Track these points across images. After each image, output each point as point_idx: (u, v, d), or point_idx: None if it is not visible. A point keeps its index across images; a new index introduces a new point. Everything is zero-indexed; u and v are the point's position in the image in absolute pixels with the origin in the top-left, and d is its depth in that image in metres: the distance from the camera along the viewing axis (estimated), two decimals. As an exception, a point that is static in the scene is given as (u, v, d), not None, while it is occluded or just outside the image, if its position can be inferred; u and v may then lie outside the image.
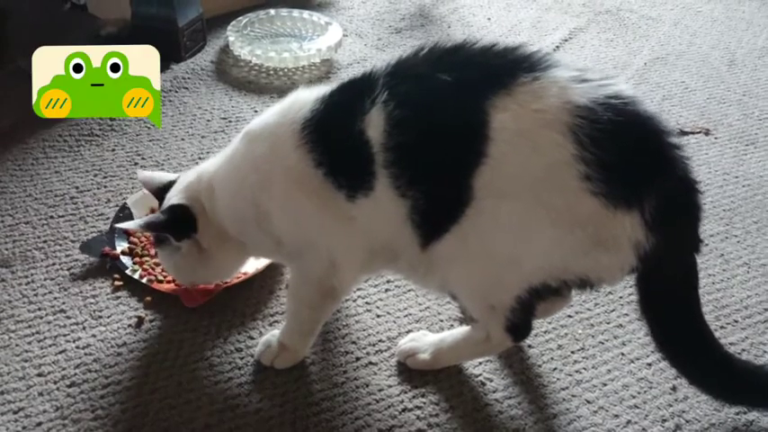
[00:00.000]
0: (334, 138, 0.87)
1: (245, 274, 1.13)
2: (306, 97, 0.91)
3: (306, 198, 0.88)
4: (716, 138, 1.63)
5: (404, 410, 0.97)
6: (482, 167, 0.78)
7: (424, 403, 0.98)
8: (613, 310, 1.15)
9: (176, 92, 1.63)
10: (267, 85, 1.71)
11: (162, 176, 1.07)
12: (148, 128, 1.51)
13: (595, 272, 0.84)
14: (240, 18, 1.84)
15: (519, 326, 0.92)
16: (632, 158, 0.78)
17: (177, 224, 0.98)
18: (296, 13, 1.90)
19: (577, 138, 0.75)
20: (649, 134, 0.79)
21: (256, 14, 1.87)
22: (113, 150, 1.43)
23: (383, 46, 1.91)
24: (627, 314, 1.15)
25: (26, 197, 1.29)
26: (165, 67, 1.70)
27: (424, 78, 0.83)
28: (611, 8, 2.23)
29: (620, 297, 1.17)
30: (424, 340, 1.04)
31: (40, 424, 0.92)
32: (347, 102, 0.87)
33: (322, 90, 0.91)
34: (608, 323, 1.13)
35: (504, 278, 0.86)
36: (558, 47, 1.97)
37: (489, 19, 2.11)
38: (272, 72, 1.74)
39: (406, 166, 0.82)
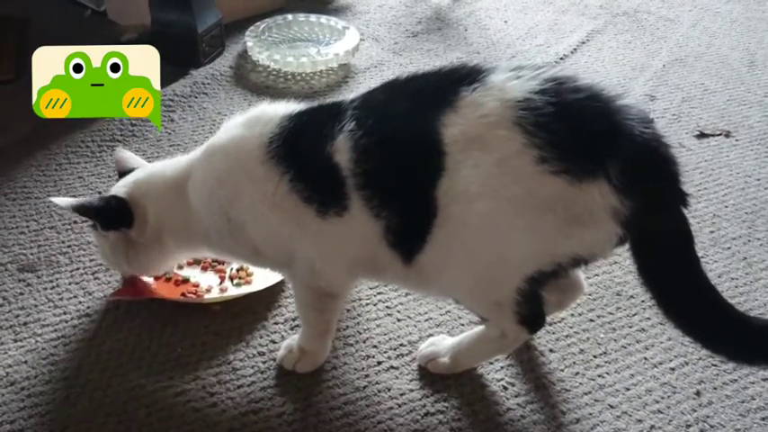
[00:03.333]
0: (303, 156, 0.90)
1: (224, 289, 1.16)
2: (272, 112, 0.94)
3: (275, 211, 0.90)
4: (737, 140, 1.61)
5: (426, 414, 0.97)
6: (442, 180, 0.82)
7: (447, 407, 0.98)
8: (635, 314, 1.15)
9: (196, 97, 1.64)
10: (285, 89, 1.72)
11: (135, 162, 1.10)
12: (169, 133, 1.53)
13: (584, 249, 0.84)
14: (258, 23, 1.85)
15: (530, 317, 0.91)
16: (582, 130, 0.79)
17: (107, 214, 1.00)
18: (313, 17, 1.91)
19: (524, 128, 0.78)
20: (593, 103, 0.80)
21: (274, 20, 1.89)
22: (135, 156, 1.45)
23: (400, 50, 1.92)
24: (649, 318, 1.14)
25: (50, 202, 1.30)
26: (184, 72, 1.72)
27: (383, 108, 0.89)
28: (629, 10, 2.22)
29: (643, 301, 1.16)
30: (443, 344, 1.04)
31: (66, 428, 0.93)
32: (316, 124, 0.91)
33: (288, 107, 0.95)
34: (630, 327, 1.12)
35: (496, 276, 0.87)
36: (575, 49, 1.96)
37: (506, 22, 2.11)
38: (290, 77, 1.75)
39: (376, 189, 0.86)
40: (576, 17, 2.16)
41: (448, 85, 0.85)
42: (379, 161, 0.85)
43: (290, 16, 1.91)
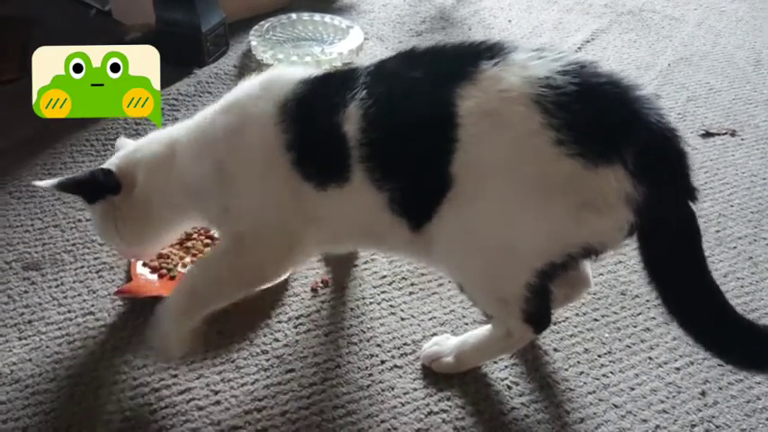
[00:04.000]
0: (312, 124, 0.89)
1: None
2: (289, 76, 0.93)
3: (275, 177, 0.90)
4: (742, 139, 1.61)
5: (430, 414, 0.97)
6: (456, 154, 0.81)
7: (450, 407, 0.98)
8: (640, 314, 1.14)
9: (200, 96, 1.64)
10: (289, 88, 1.71)
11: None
12: (173, 132, 1.53)
13: (595, 237, 0.83)
14: (262, 22, 1.85)
15: (537, 315, 0.91)
16: (601, 115, 0.78)
17: (88, 186, 0.99)
18: (317, 17, 1.91)
19: (543, 107, 0.77)
20: (613, 89, 0.80)
21: (278, 19, 1.89)
22: (139, 154, 1.45)
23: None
24: (654, 317, 1.13)
25: (55, 201, 1.31)
26: (188, 71, 1.72)
27: (397, 78, 0.87)
28: (634, 9, 2.21)
29: (648, 300, 1.16)
30: (447, 344, 1.03)
31: (70, 426, 0.93)
32: (329, 92, 0.89)
33: (305, 72, 0.94)
34: (635, 326, 1.12)
35: (506, 267, 0.86)
36: (580, 48, 1.95)
37: (510, 21, 2.10)
38: (293, 76, 1.75)
39: (383, 159, 0.85)
40: (580, 16, 2.15)
41: (467, 58, 0.84)
42: (388, 131, 0.84)
43: (294, 15, 1.91)
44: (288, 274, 1.14)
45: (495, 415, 0.98)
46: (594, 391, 1.01)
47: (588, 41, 2.00)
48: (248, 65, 1.79)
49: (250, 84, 0.96)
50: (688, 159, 0.82)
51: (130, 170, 1.00)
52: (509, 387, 1.01)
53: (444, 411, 0.97)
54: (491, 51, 0.83)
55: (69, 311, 1.09)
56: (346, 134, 0.85)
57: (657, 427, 0.97)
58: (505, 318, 0.93)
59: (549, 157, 0.77)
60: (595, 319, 1.13)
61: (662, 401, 1.00)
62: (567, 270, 0.87)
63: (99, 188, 0.99)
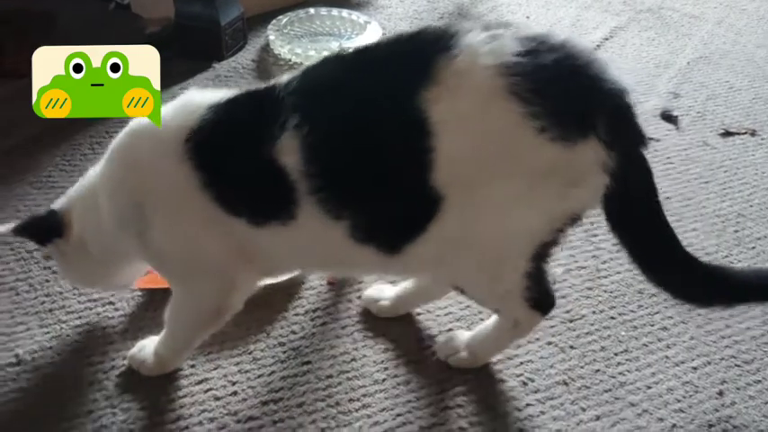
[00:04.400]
0: (230, 161, 0.81)
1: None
2: (198, 101, 0.84)
3: (195, 220, 0.84)
4: (762, 138, 1.59)
5: (445, 408, 0.97)
6: (436, 163, 0.75)
7: (465, 402, 0.98)
8: (657, 313, 1.14)
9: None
10: (306, 83, 1.72)
11: None
12: (191, 125, 1.54)
13: (578, 206, 0.83)
14: (280, 17, 1.86)
15: (540, 298, 0.90)
16: (570, 92, 0.76)
17: (36, 229, 0.96)
18: (335, 11, 1.91)
19: (519, 96, 0.73)
20: (573, 62, 0.77)
21: (296, 13, 1.89)
22: (158, 147, 1.46)
23: (421, 45, 1.91)
24: (671, 317, 1.13)
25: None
26: (207, 65, 1.73)
27: (335, 91, 0.78)
28: (653, 6, 2.19)
29: (665, 299, 1.15)
30: (461, 339, 1.03)
31: (90, 412, 0.95)
32: (247, 121, 0.81)
33: (216, 96, 0.84)
34: (652, 325, 1.11)
35: (503, 262, 0.86)
36: (598, 46, 1.94)
37: (528, 17, 2.09)
38: (311, 71, 1.75)
39: (338, 189, 0.78)
40: (598, 13, 2.14)
41: (416, 54, 0.77)
42: (341, 156, 0.77)
43: (311, 10, 1.91)
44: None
45: (511, 411, 0.98)
46: (611, 389, 1.01)
47: (607, 39, 1.98)
48: (266, 59, 1.80)
49: (164, 109, 0.86)
50: (635, 110, 0.80)
51: (68, 212, 0.96)
52: (524, 383, 1.01)
53: (460, 406, 0.98)
54: (440, 42, 0.76)
55: (89, 301, 1.11)
56: (285, 167, 0.77)
57: (674, 426, 0.96)
58: (511, 309, 0.93)
59: (536, 147, 0.75)
60: (612, 317, 1.12)
61: (678, 401, 1.00)
62: (557, 244, 0.86)
63: (40, 232, 0.96)
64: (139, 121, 0.88)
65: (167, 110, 0.86)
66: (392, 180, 0.78)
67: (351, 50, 0.81)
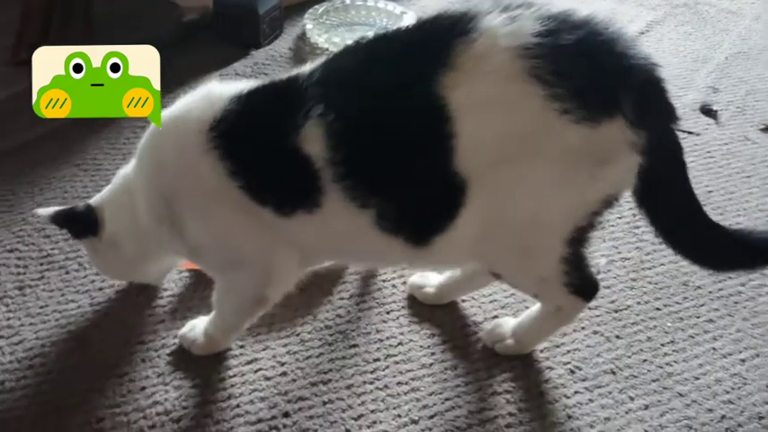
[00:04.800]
0: (257, 150, 0.81)
1: None
2: (219, 92, 0.84)
3: (226, 210, 0.84)
4: (804, 135, 1.58)
5: (493, 394, 0.98)
6: (458, 150, 0.75)
7: (514, 387, 0.99)
8: (703, 305, 1.13)
9: (256, 77, 1.66)
10: (343, 72, 1.72)
11: None
12: (231, 111, 1.55)
13: (612, 187, 0.82)
14: (317, 6, 1.87)
15: (581, 284, 0.89)
16: (594, 71, 0.75)
17: (73, 223, 0.98)
18: (371, 2, 1.92)
19: (541, 79, 0.73)
20: (596, 39, 0.76)
21: (332, 3, 1.89)
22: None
23: (456, 36, 1.91)
24: (717, 309, 1.12)
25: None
26: (244, 53, 1.74)
27: (357, 79, 0.78)
28: (689, 1, 2.17)
29: (710, 292, 1.15)
30: (507, 325, 1.03)
31: (143, 389, 0.96)
32: (271, 111, 0.81)
33: (237, 87, 0.84)
34: (698, 317, 1.11)
35: (537, 248, 0.85)
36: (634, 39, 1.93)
37: (563, 11, 2.08)
38: (347, 60, 1.76)
39: (363, 177, 0.78)
40: (634, 7, 2.12)
41: (434, 40, 0.76)
42: (365, 143, 0.77)
43: (347, 0, 1.92)
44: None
45: (559, 398, 0.98)
46: (658, 379, 1.01)
47: (643, 33, 1.97)
48: (302, 48, 1.81)
49: (181, 101, 0.88)
50: (665, 84, 0.80)
51: (102, 206, 0.97)
52: (572, 371, 1.01)
53: (508, 392, 0.98)
54: (458, 26, 0.75)
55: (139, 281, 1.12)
56: (310, 156, 0.77)
57: (723, 417, 0.96)
58: (551, 295, 0.92)
59: (560, 129, 0.74)
60: (657, 309, 1.12)
61: (727, 392, 0.99)
62: (594, 228, 0.85)
63: (77, 226, 0.98)
64: (162, 115, 0.88)
65: (186, 102, 0.87)
66: (414, 167, 0.78)
67: (370, 38, 0.80)
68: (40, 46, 1.63)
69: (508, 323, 1.04)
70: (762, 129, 1.58)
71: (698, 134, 1.55)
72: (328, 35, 1.76)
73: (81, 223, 0.98)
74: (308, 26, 1.79)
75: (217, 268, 0.94)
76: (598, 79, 0.75)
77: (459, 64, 0.73)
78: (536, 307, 1.00)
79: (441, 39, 0.76)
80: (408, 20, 1.83)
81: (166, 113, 0.88)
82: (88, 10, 1.88)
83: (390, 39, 0.81)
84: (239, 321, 0.97)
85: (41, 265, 1.14)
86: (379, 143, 0.77)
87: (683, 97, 1.67)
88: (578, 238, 0.85)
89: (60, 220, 0.99)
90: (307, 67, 0.82)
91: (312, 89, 0.78)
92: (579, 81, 0.74)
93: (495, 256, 0.88)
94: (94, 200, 0.99)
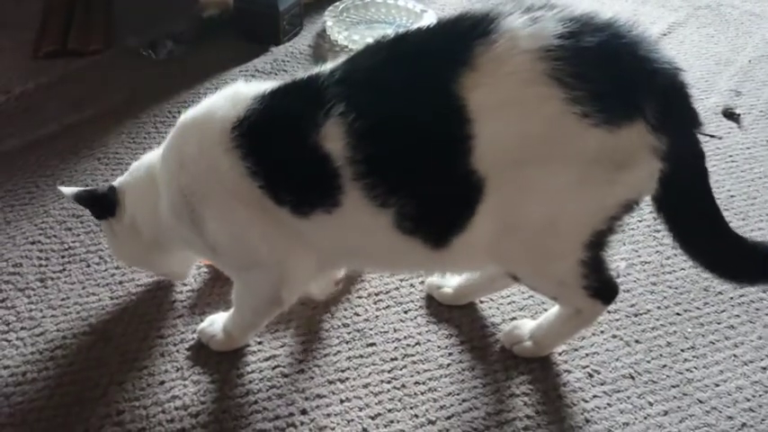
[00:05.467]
0: (277, 149, 0.82)
1: None
2: (244, 93, 0.85)
3: (245, 210, 0.84)
4: (828, 140, 1.55)
5: (511, 396, 0.97)
6: (477, 150, 0.74)
7: (531, 390, 0.98)
8: (724, 311, 1.12)
9: (276, 74, 1.67)
10: (362, 70, 1.72)
11: None
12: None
13: (631, 192, 0.80)
14: (337, 3, 1.86)
15: (600, 287, 0.89)
16: (615, 74, 0.74)
17: (95, 203, 0.98)
18: (391, 0, 1.91)
19: (561, 81, 0.72)
20: (618, 42, 0.75)
21: (352, 0, 1.89)
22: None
23: (476, 35, 1.90)
24: (738, 315, 1.11)
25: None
26: (264, 49, 1.74)
27: (378, 79, 0.78)
28: (711, 3, 2.15)
29: (731, 298, 1.14)
30: (526, 328, 1.03)
31: (162, 383, 0.97)
32: (292, 109, 0.81)
33: (262, 87, 0.85)
34: (719, 323, 1.10)
35: (555, 247, 0.84)
36: (656, 41, 1.91)
37: (583, 11, 2.07)
38: (367, 58, 1.76)
39: (383, 176, 0.78)
40: (656, 9, 2.10)
41: (455, 41, 0.76)
42: (385, 143, 0.77)
43: (368, -2, 1.91)
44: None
45: (577, 401, 0.97)
46: (678, 385, 1.00)
47: (665, 35, 1.95)
48: (322, 45, 1.81)
49: (208, 100, 0.88)
50: (688, 89, 0.78)
51: (123, 190, 0.97)
52: (590, 375, 1.01)
53: (525, 395, 0.98)
54: (479, 26, 0.75)
55: (157, 275, 1.13)
56: (330, 154, 0.77)
57: (744, 424, 0.95)
58: (570, 298, 0.91)
59: (579, 133, 0.74)
60: (678, 314, 1.11)
61: (748, 399, 0.98)
62: (613, 232, 0.84)
63: (98, 207, 0.99)
64: (188, 114, 0.89)
65: (212, 101, 0.87)
66: (434, 167, 0.77)
67: (391, 38, 0.80)
68: (61, 40, 1.66)
69: (526, 325, 1.04)
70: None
71: (720, 138, 1.53)
72: (348, 32, 1.76)
73: (102, 204, 0.98)
74: (329, 23, 1.79)
75: (234, 268, 0.95)
76: (620, 82, 0.74)
77: (479, 65, 0.73)
78: (555, 309, 0.99)
79: (461, 39, 0.75)
80: (428, 18, 1.82)
81: (191, 112, 0.89)
82: (109, 5, 1.90)
83: (411, 38, 0.80)
84: (257, 320, 0.98)
85: (63, 257, 1.15)
86: (399, 142, 0.77)
87: (705, 100, 1.65)
88: (597, 242, 0.84)
89: (83, 199, 1.00)
90: (328, 66, 0.82)
91: (333, 88, 0.78)
92: (600, 84, 0.73)
93: (514, 258, 0.87)
94: (118, 181, 1.00)
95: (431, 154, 0.77)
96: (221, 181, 0.84)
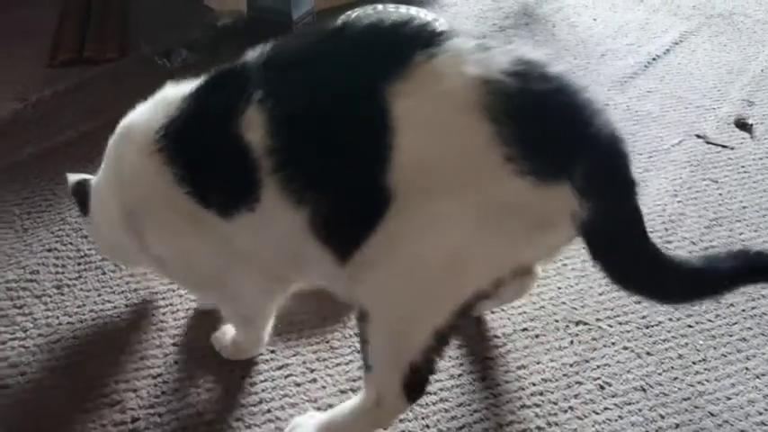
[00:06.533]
0: (198, 146, 0.77)
1: None
2: (172, 95, 0.80)
3: (177, 222, 0.81)
4: (842, 151, 1.55)
5: (522, 407, 0.98)
6: (392, 162, 0.68)
7: (542, 402, 0.99)
8: (735, 323, 1.12)
9: (288, 82, 1.68)
10: (374, 78, 1.73)
11: None
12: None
13: (534, 256, 0.77)
14: (349, 12, 1.87)
15: (420, 377, 0.79)
16: (551, 128, 0.69)
17: (79, 197, 0.98)
18: (402, 8, 1.92)
19: (493, 117, 0.66)
20: (562, 97, 0.70)
21: (364, 9, 1.90)
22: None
23: (487, 44, 1.91)
24: (750, 328, 1.11)
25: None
26: (277, 58, 1.76)
27: (308, 67, 0.72)
28: (724, 12, 2.15)
29: (743, 310, 1.14)
30: (309, 424, 0.89)
31: (176, 390, 0.98)
32: (214, 102, 0.77)
33: (190, 86, 0.80)
34: (730, 336, 1.10)
35: (438, 292, 0.74)
36: (668, 50, 1.91)
37: (595, 20, 2.07)
38: (378, 66, 1.77)
39: (300, 168, 0.72)
40: (667, 17, 2.10)
41: (396, 43, 0.70)
42: (305, 130, 0.71)
43: (379, 6, 1.92)
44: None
45: (588, 413, 0.98)
46: (689, 398, 1.00)
47: (677, 43, 1.95)
48: (334, 54, 1.82)
49: (138, 108, 0.86)
50: (629, 159, 0.73)
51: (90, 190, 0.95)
52: (601, 387, 1.01)
53: (537, 406, 0.98)
54: (426, 36, 0.70)
55: (173, 283, 1.14)
56: (250, 143, 0.72)
57: (756, 438, 0.95)
58: (386, 376, 0.80)
59: (500, 176, 0.67)
60: (689, 326, 1.11)
61: (760, 413, 0.98)
62: (480, 301, 0.76)
63: (79, 200, 0.97)
64: (123, 121, 0.87)
65: (141, 108, 0.85)
66: (348, 167, 0.71)
67: (333, 25, 0.75)
68: (77, 48, 1.69)
69: (310, 421, 0.89)
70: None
71: (732, 148, 1.53)
72: (360, 41, 1.77)
73: (78, 199, 0.98)
74: (340, 32, 1.80)
75: (187, 286, 0.93)
76: (554, 139, 0.69)
77: (413, 75, 0.67)
78: (351, 401, 0.87)
79: (404, 43, 0.70)
80: (440, 26, 1.83)
81: (126, 119, 0.86)
82: (124, 14, 1.92)
83: (351, 30, 0.73)
84: (248, 336, 0.98)
85: (79, 264, 1.17)
86: (317, 134, 0.71)
87: (717, 110, 1.65)
88: (466, 311, 0.76)
89: (74, 192, 1.00)
90: (254, 51, 0.76)
91: (256, 73, 0.73)
92: (534, 133, 0.68)
93: (378, 296, 0.75)
94: (95, 178, 0.96)
95: (347, 152, 0.71)
96: (152, 190, 0.81)
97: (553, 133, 0.69)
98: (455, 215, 0.69)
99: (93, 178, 0.99)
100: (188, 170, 0.78)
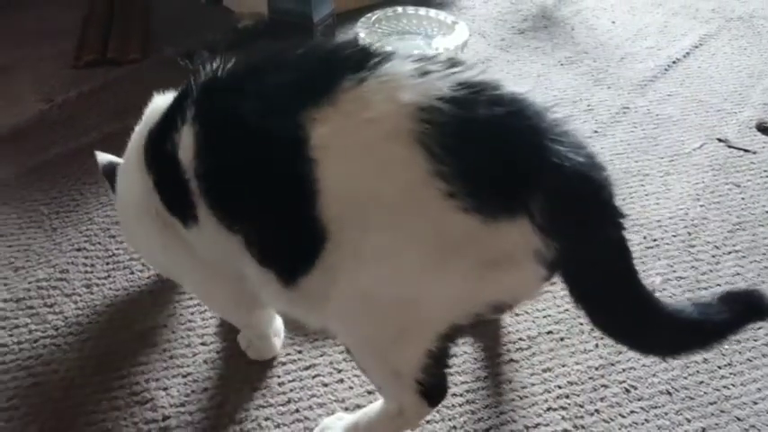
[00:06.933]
0: (158, 158, 0.78)
1: None
2: (160, 105, 0.80)
3: (161, 228, 0.83)
4: None
5: (548, 410, 0.98)
6: (321, 195, 0.64)
7: (569, 404, 0.99)
8: (761, 327, 1.12)
9: (310, 84, 1.69)
10: (394, 81, 1.74)
11: None
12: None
13: (504, 294, 0.70)
14: (369, 15, 1.89)
15: (434, 386, 0.77)
16: (499, 158, 0.63)
17: (109, 177, 0.99)
18: (422, 11, 1.93)
19: (428, 148, 0.61)
20: (516, 122, 0.64)
21: (384, 11, 1.91)
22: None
23: (506, 47, 1.92)
24: (776, 333, 1.11)
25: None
26: (298, 60, 1.77)
27: (234, 89, 0.70)
28: (743, 15, 2.14)
29: (768, 315, 1.13)
30: (337, 425, 0.90)
31: (206, 389, 0.99)
32: (170, 116, 0.76)
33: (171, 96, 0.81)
34: (756, 340, 1.10)
35: (403, 334, 0.71)
36: (687, 53, 1.91)
37: (614, 22, 2.07)
38: (399, 69, 1.78)
39: (224, 197, 0.70)
40: (687, 20, 2.10)
41: (327, 68, 0.66)
42: (222, 158, 0.69)
43: (399, 9, 1.93)
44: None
45: (614, 416, 0.98)
46: (715, 402, 1.00)
47: (696, 47, 1.95)
48: (354, 56, 1.83)
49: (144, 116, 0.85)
50: (611, 188, 0.67)
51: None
52: (627, 390, 1.01)
53: (563, 408, 0.98)
54: (358, 59, 0.65)
55: (199, 283, 1.15)
56: (181, 162, 0.71)
57: (783, 443, 0.95)
58: (398, 392, 0.78)
59: (439, 213, 0.62)
60: (714, 330, 1.11)
61: (787, 418, 0.98)
62: (475, 328, 0.76)
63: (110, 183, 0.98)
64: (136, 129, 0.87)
65: (144, 116, 0.85)
66: (273, 200, 0.68)
67: (276, 48, 0.72)
68: (101, 50, 1.70)
69: (338, 422, 0.90)
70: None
71: (754, 152, 1.53)
72: (381, 43, 1.78)
73: (108, 179, 0.99)
74: (361, 34, 1.81)
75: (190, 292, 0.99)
76: (504, 169, 0.63)
77: (339, 101, 0.63)
78: (375, 406, 0.86)
79: (333, 68, 0.66)
80: (460, 29, 1.84)
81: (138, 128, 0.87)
82: (146, 15, 1.94)
83: (288, 54, 0.70)
84: (252, 336, 1.01)
85: (108, 264, 1.18)
86: (237, 164, 0.68)
87: (738, 114, 1.64)
88: (453, 336, 0.73)
89: (105, 173, 1.01)
90: (208, 68, 0.74)
91: (197, 92, 0.72)
92: (476, 165, 0.62)
93: (354, 333, 0.74)
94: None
95: (270, 184, 0.67)
96: (140, 198, 0.83)
97: (499, 165, 0.63)
98: (394, 251, 0.65)
99: (120, 161, 0.99)
100: (157, 179, 0.79)
